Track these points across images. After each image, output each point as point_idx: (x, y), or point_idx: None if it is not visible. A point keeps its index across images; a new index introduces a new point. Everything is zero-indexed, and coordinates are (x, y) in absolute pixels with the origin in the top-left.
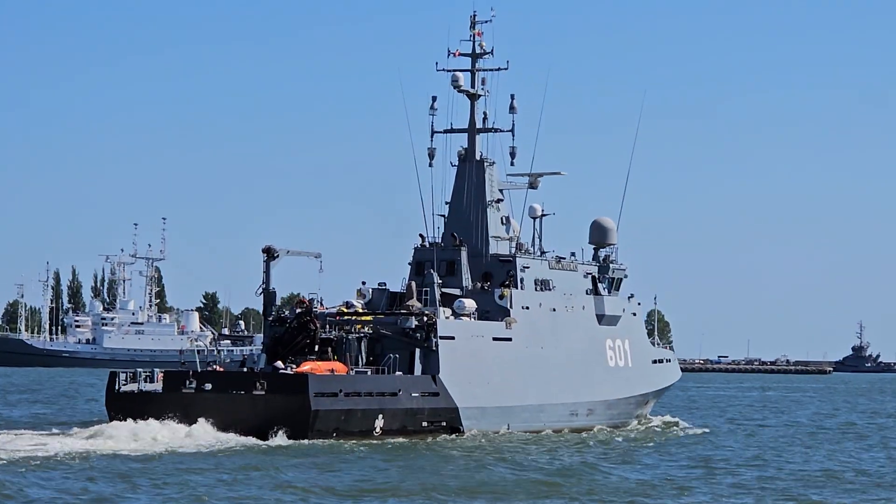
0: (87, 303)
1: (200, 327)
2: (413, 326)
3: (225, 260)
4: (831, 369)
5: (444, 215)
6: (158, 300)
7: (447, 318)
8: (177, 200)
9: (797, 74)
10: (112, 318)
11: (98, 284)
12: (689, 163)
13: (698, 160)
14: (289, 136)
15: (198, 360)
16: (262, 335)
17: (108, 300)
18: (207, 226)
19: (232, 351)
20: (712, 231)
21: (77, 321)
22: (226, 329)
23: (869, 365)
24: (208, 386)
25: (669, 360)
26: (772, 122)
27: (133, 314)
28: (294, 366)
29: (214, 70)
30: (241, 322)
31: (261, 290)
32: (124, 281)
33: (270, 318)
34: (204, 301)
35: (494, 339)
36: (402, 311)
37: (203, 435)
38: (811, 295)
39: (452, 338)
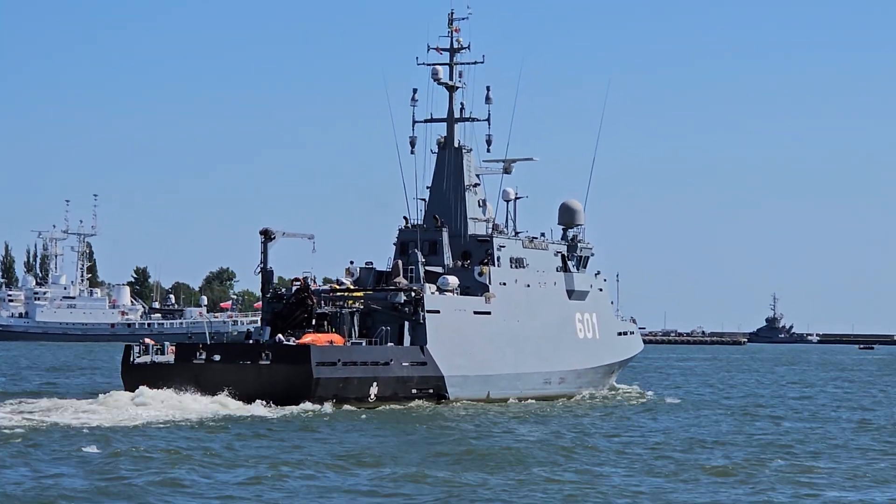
0: (20, 277)
1: (131, 301)
2: (402, 301)
3: (156, 235)
4: (746, 340)
5: (424, 199)
6: (90, 275)
7: (432, 293)
8: (110, 176)
9: (750, 58)
10: (45, 293)
11: (31, 259)
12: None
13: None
14: (268, 122)
15: (207, 333)
16: (193, 309)
17: (40, 275)
18: (139, 200)
19: (163, 324)
20: (651, 206)
21: (10, 296)
22: (156, 303)
23: (782, 336)
24: (217, 357)
25: (633, 333)
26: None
27: (65, 289)
28: (294, 338)
29: (185, 48)
30: (172, 296)
31: (259, 269)
32: (56, 256)
33: (269, 295)
34: (135, 275)
35: (475, 312)
36: (392, 287)
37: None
38: (726, 267)
39: (438, 311)
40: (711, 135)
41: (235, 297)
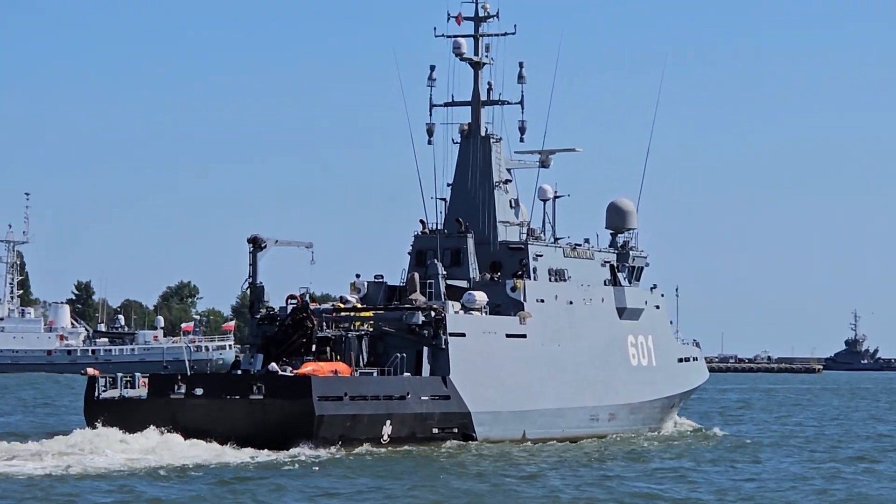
0: None
1: (72, 322)
2: (420, 322)
3: (102, 243)
4: (821, 367)
5: (445, 199)
6: (21, 291)
7: (456, 312)
8: (45, 172)
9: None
10: None
11: None
12: (713, 137)
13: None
14: (250, 107)
15: (187, 360)
16: (147, 331)
17: None
18: (81, 201)
19: (110, 350)
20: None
21: None
22: (102, 325)
23: (865, 361)
24: (199, 391)
25: (696, 359)
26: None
27: None
28: (291, 367)
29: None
30: (121, 316)
31: (247, 284)
32: None
33: (259, 316)
34: (76, 292)
35: (507, 335)
36: (407, 306)
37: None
38: (797, 281)
39: (463, 335)
40: (785, 124)
41: (198, 317)
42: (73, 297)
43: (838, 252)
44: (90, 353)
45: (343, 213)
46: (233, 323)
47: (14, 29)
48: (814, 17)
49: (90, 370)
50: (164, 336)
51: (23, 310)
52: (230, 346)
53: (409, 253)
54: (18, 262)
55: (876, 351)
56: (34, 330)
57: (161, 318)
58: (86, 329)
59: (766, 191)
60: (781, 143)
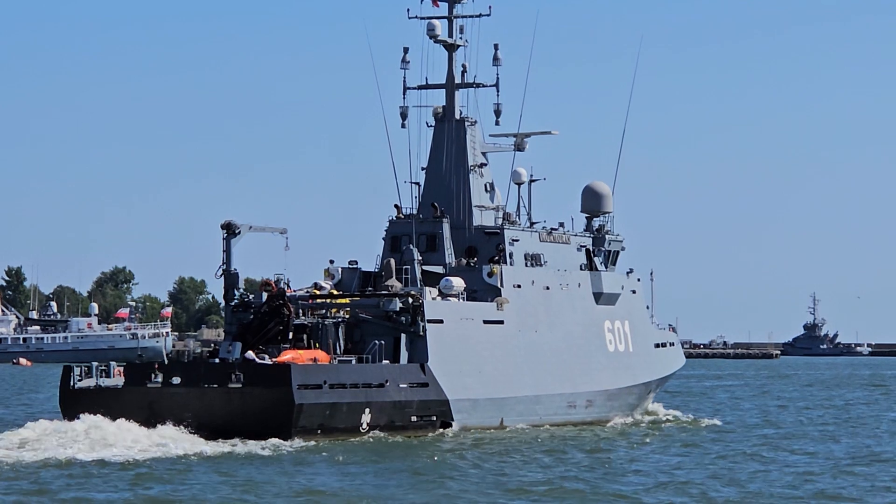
0: None
1: (2, 310)
2: (397, 309)
3: (33, 227)
4: (779, 353)
5: (419, 183)
6: None
7: (434, 299)
8: None
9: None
10: None
11: None
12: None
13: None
14: (203, 85)
15: (164, 350)
16: (81, 319)
17: None
18: (11, 184)
19: (42, 338)
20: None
21: None
22: (34, 312)
23: (825, 346)
24: (177, 380)
25: (673, 344)
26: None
27: None
28: (268, 355)
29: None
30: (54, 303)
31: (221, 271)
32: None
33: (234, 303)
34: (6, 278)
35: (485, 321)
36: (384, 292)
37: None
38: (753, 263)
39: (441, 321)
40: (752, 108)
41: (134, 303)
42: (3, 284)
43: (797, 233)
44: (21, 342)
45: (316, 198)
46: (170, 310)
47: None
48: (788, 6)
49: (21, 360)
50: (99, 323)
51: None
52: (167, 333)
53: (383, 238)
54: None
55: (835, 335)
56: None
57: (95, 305)
58: (17, 317)
59: (724, 174)
60: (744, 128)
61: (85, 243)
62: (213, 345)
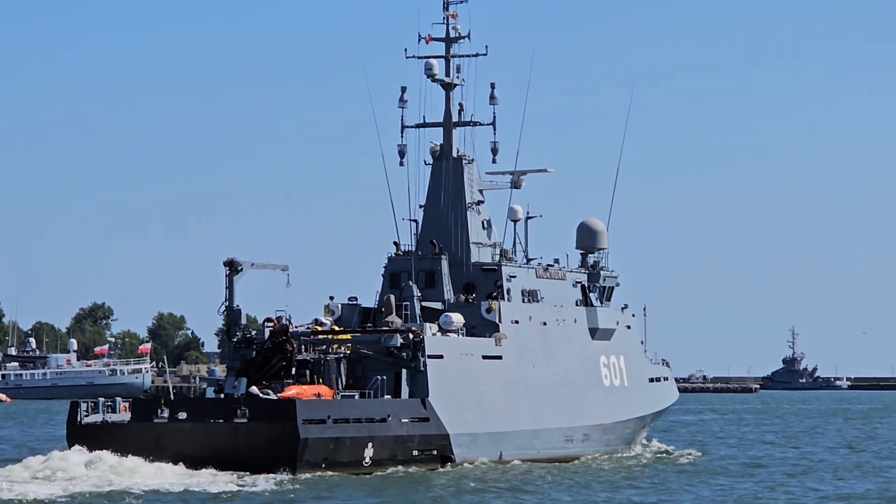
0: None
1: None
2: (398, 345)
3: (11, 263)
4: (758, 387)
5: (417, 220)
6: None
7: (434, 334)
8: None
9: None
10: None
11: None
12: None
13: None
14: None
15: (170, 385)
16: (60, 355)
17: None
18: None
19: (21, 375)
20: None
21: None
22: (13, 348)
23: (804, 381)
24: (182, 415)
25: (667, 378)
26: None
27: None
28: (271, 391)
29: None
30: (33, 339)
31: (223, 307)
32: None
33: (235, 339)
34: None
35: (484, 357)
36: (385, 329)
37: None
38: (732, 297)
39: (441, 357)
40: (742, 145)
41: (113, 339)
42: None
43: (777, 268)
44: (0, 378)
45: (314, 235)
46: (149, 345)
47: None
48: (776, 44)
49: (1, 396)
50: (78, 360)
51: None
52: (146, 369)
53: (382, 275)
54: None
55: (815, 369)
56: None
57: (74, 342)
58: None
59: (712, 212)
60: (732, 167)
61: (64, 279)
62: (218, 383)
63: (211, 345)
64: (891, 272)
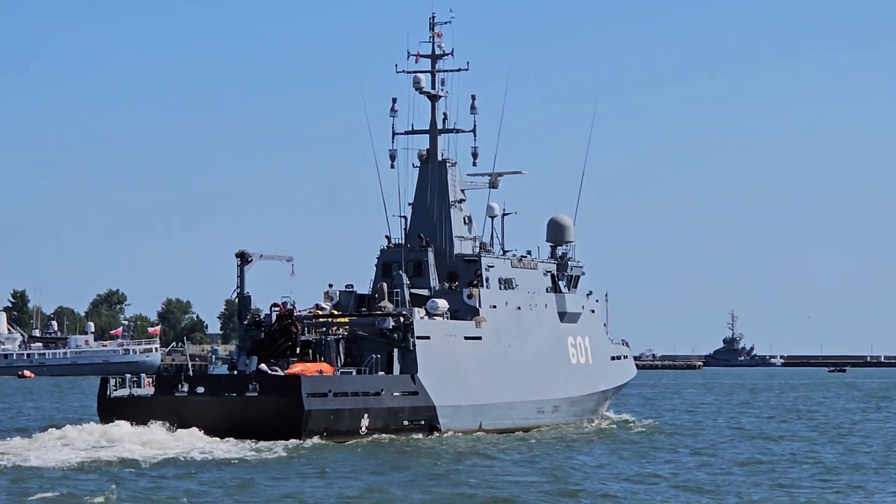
0: None
1: (8, 329)
2: (390, 327)
3: (36, 255)
4: (701, 364)
5: (406, 216)
6: None
7: (422, 318)
8: None
9: (750, 82)
10: None
11: None
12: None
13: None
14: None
15: (188, 364)
16: (79, 336)
17: None
18: (16, 219)
19: (44, 354)
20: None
21: None
22: (37, 330)
23: (742, 358)
24: (200, 389)
25: (626, 357)
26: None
27: None
28: (279, 368)
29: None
30: (55, 322)
31: (235, 294)
32: None
33: (246, 322)
34: (12, 300)
35: (466, 338)
36: (379, 313)
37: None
38: (679, 284)
39: (428, 337)
40: (684, 149)
41: (126, 322)
42: (10, 305)
43: (717, 256)
44: (25, 357)
45: (314, 229)
46: (158, 328)
47: None
48: (721, 57)
49: (26, 373)
50: (95, 340)
51: None
52: (156, 348)
53: (375, 265)
54: None
55: (752, 348)
56: None
57: (91, 324)
58: (21, 335)
59: (662, 208)
60: (679, 170)
61: (83, 269)
62: (231, 361)
63: (214, 327)
64: (818, 262)
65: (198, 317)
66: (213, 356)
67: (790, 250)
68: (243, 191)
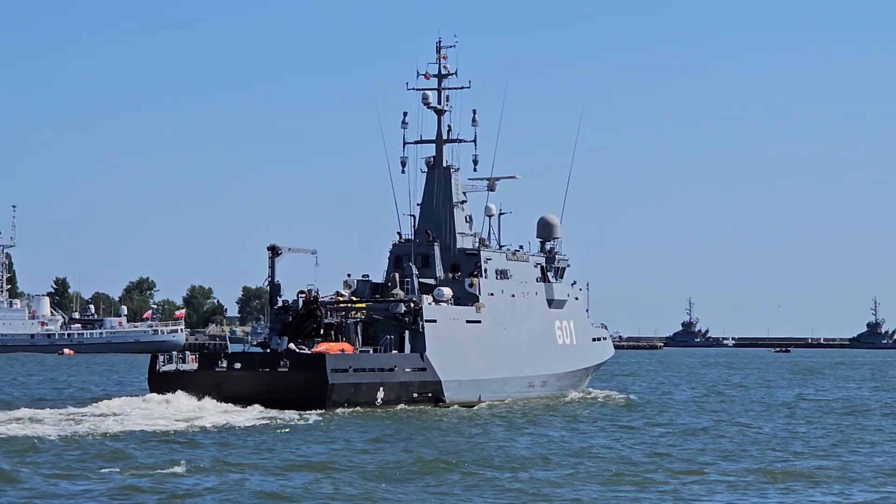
0: None
1: (51, 311)
2: (402, 312)
3: (76, 245)
4: (662, 344)
5: (413, 215)
6: (9, 286)
7: (429, 304)
8: (29, 186)
9: (724, 82)
10: None
11: None
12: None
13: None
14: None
15: (228, 341)
16: (113, 319)
17: None
18: (59, 214)
19: (83, 334)
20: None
21: None
22: (76, 313)
23: (698, 340)
24: (238, 365)
25: (605, 338)
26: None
27: None
28: (305, 347)
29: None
30: (92, 306)
31: (267, 282)
32: None
33: (276, 307)
34: (55, 286)
35: (467, 321)
36: (392, 299)
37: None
38: (643, 272)
39: (435, 321)
40: (638, 136)
41: (156, 306)
42: (52, 291)
43: (676, 247)
44: (66, 337)
45: (335, 226)
46: (183, 311)
47: None
48: (705, 53)
49: (66, 350)
50: (127, 322)
51: (10, 301)
52: (181, 329)
53: (388, 257)
54: (7, 262)
55: (707, 331)
56: (20, 318)
57: (125, 308)
58: (62, 317)
59: (634, 209)
60: (643, 176)
61: (117, 258)
62: (263, 339)
63: (232, 311)
64: (767, 254)
65: (218, 301)
66: (250, 336)
67: (742, 244)
68: (274, 192)
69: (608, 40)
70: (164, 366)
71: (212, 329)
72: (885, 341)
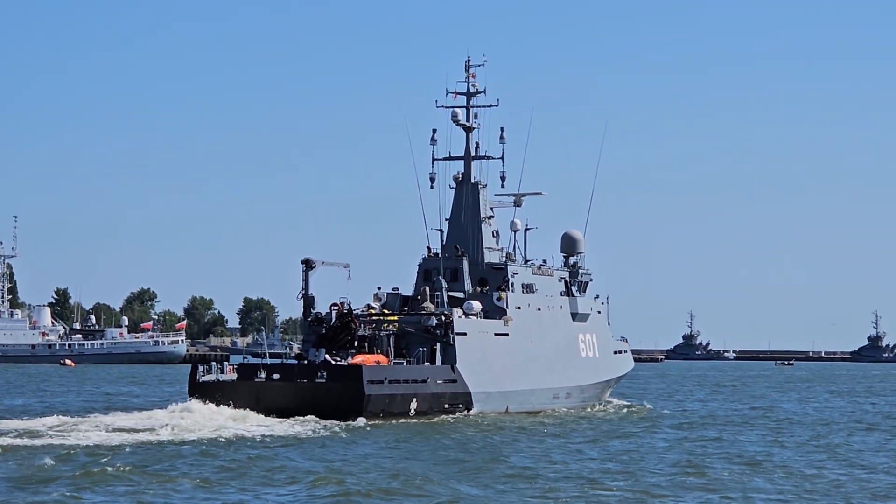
0: None
1: (52, 322)
2: (434, 325)
3: (77, 256)
4: (663, 357)
5: (441, 230)
6: (10, 296)
7: (459, 317)
8: (30, 197)
9: (744, 98)
10: None
11: None
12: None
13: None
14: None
15: (267, 352)
16: (114, 329)
17: None
18: (59, 225)
19: (83, 344)
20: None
21: None
22: (77, 323)
23: (699, 353)
24: (276, 376)
25: (626, 351)
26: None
27: None
28: (340, 358)
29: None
30: (93, 317)
31: (300, 295)
32: None
33: (310, 319)
34: (55, 297)
35: (496, 334)
36: (424, 312)
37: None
38: (644, 285)
39: (465, 334)
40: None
41: (156, 317)
42: (53, 301)
43: (678, 261)
44: (67, 347)
45: (366, 240)
46: (184, 322)
47: None
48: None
49: (67, 361)
50: (128, 333)
51: (12, 311)
52: (182, 340)
53: (417, 271)
54: (8, 273)
55: (708, 343)
56: (21, 328)
57: (125, 318)
58: (63, 327)
59: (647, 227)
60: (661, 194)
61: (118, 269)
62: (299, 352)
63: (233, 322)
64: (768, 268)
65: (219, 312)
66: (287, 347)
67: (743, 257)
68: (308, 207)
69: (631, 60)
70: (203, 376)
71: (213, 340)
72: (886, 355)
